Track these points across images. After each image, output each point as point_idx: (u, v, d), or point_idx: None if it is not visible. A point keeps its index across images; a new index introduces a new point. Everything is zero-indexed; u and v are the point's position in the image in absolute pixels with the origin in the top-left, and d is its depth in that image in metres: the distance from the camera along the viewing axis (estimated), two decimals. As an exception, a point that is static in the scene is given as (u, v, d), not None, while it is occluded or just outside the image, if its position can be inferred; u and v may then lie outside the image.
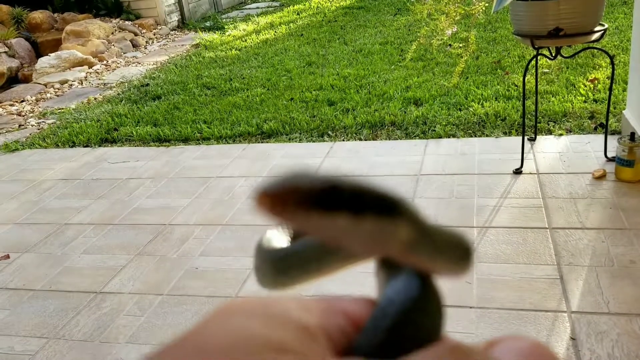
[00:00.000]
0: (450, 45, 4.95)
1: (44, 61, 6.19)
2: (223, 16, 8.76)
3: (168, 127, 4.12)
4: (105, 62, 6.45)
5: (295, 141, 3.68)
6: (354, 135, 3.64)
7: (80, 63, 6.27)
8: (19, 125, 4.71)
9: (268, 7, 9.00)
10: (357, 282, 1.62)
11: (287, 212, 0.25)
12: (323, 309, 0.31)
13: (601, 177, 2.68)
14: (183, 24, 8.24)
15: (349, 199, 0.26)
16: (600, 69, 4.13)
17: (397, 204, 0.27)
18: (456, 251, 0.33)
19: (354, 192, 0.26)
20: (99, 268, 2.47)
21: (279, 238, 0.47)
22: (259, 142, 3.73)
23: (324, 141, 3.62)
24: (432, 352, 0.29)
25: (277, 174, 0.27)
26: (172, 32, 7.87)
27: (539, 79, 3.65)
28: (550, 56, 2.74)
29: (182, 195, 3.07)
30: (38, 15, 7.40)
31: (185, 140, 3.91)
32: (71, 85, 5.78)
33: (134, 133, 4.08)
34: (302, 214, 0.25)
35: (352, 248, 0.29)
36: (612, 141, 2.86)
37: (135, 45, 7.20)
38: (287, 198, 0.25)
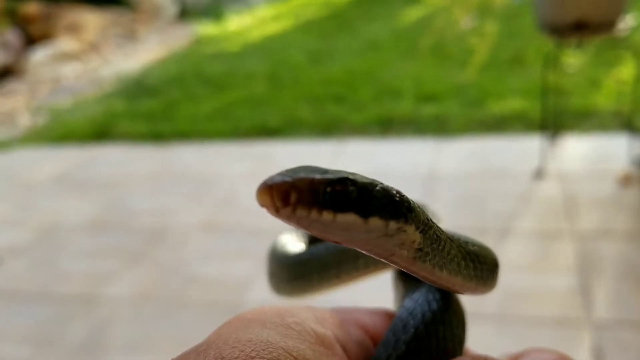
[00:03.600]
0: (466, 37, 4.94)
1: (37, 54, 6.23)
2: (225, 6, 8.76)
3: (165, 124, 4.13)
4: (100, 54, 6.48)
5: (301, 139, 3.68)
6: (363, 132, 3.64)
7: (75, 56, 6.30)
8: (10, 122, 4.74)
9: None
10: (374, 292, 1.61)
11: (289, 208, 0.24)
12: (339, 320, 0.31)
13: (627, 179, 2.66)
14: (183, 14, 8.26)
15: (356, 199, 0.25)
16: (627, 64, 4.10)
17: (407, 209, 0.27)
18: (478, 266, 0.32)
19: (362, 192, 0.26)
20: (93, 273, 2.48)
21: (294, 242, 0.47)
22: (262, 140, 3.74)
23: (331, 139, 3.62)
24: None
25: (283, 168, 0.27)
26: (171, 23, 7.89)
27: (561, 76, 3.63)
28: (572, 49, 2.73)
29: (180, 197, 3.07)
30: (32, 7, 7.43)
31: (184, 137, 3.92)
32: (65, 79, 5.81)
33: (130, 130, 4.09)
34: (306, 212, 0.25)
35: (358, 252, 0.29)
36: (639, 142, 2.84)
37: (132, 37, 7.23)
38: (290, 193, 0.24)
